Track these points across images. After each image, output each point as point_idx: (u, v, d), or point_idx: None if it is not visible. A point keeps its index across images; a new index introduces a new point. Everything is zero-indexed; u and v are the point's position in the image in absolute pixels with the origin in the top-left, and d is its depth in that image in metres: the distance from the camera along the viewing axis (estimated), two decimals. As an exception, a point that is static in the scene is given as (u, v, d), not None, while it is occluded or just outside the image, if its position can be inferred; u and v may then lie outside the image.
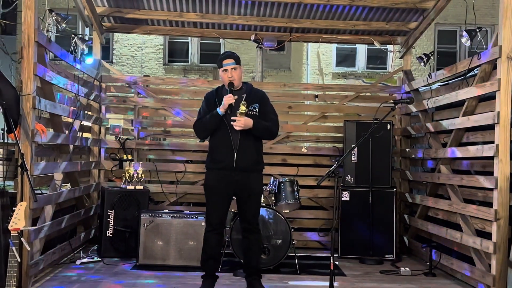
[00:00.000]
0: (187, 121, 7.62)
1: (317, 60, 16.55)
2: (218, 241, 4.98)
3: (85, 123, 6.95)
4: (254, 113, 4.89)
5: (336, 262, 6.46)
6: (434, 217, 6.50)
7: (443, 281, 5.78)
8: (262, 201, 6.07)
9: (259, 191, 5.11)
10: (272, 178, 6.49)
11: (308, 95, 8.20)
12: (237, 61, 4.92)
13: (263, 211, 6.01)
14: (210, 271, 4.99)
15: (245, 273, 5.12)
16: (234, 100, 4.74)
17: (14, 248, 3.54)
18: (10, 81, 4.47)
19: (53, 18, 5.86)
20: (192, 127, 5.10)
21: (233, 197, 5.03)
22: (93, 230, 6.98)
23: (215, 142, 4.93)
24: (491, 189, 5.05)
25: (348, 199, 6.90)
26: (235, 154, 4.79)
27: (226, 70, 4.87)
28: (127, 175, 6.63)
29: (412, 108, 7.16)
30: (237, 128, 4.75)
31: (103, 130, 7.49)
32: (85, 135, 6.97)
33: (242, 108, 4.75)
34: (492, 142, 5.02)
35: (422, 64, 6.94)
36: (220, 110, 4.77)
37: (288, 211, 6.47)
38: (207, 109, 4.93)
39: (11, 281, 3.55)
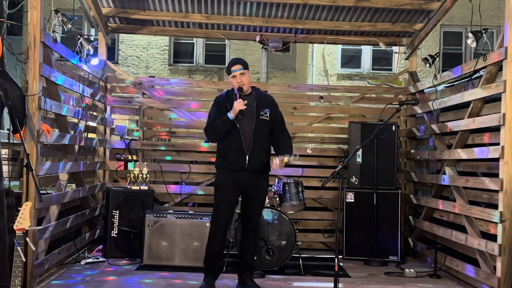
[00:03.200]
0: (192, 122, 7.63)
1: (322, 61, 16.53)
2: (223, 240, 5.08)
3: (90, 123, 6.96)
4: (265, 118, 5.03)
5: (341, 264, 6.44)
6: (439, 219, 6.49)
7: (448, 283, 5.77)
8: (266, 202, 6.10)
9: (266, 191, 5.31)
10: (276, 179, 6.48)
11: (313, 96, 8.19)
12: (245, 66, 5.04)
13: (267, 212, 6.01)
14: (212, 269, 5.09)
15: (238, 270, 5.24)
16: (244, 107, 4.85)
17: (19, 248, 3.55)
18: (16, 82, 4.48)
19: (59, 19, 5.87)
20: (204, 131, 5.19)
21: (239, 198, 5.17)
22: (98, 230, 6.99)
23: (226, 144, 5.03)
24: (497, 191, 5.03)
25: (353, 200, 6.90)
26: (247, 157, 4.91)
27: (234, 76, 4.98)
28: (132, 175, 6.65)
29: (417, 110, 7.15)
30: (274, 167, 5.04)
31: (108, 130, 7.49)
32: (90, 135, 6.98)
33: (286, 160, 4.95)
34: (498, 144, 5.01)
35: (428, 65, 6.92)
36: (231, 115, 4.88)
37: (292, 212, 6.46)
38: (218, 113, 5.03)
39: (16, 281, 3.56)
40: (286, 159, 4.97)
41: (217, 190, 5.09)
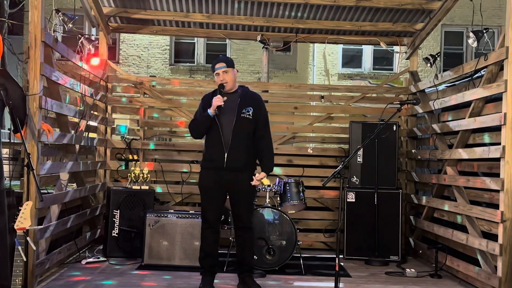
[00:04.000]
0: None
1: (323, 61, 16.53)
2: (215, 238, 5.12)
3: (91, 123, 6.97)
4: (248, 116, 5.02)
5: (342, 263, 6.44)
6: (440, 219, 6.49)
7: (449, 283, 5.76)
8: (267, 202, 6.11)
9: (250, 190, 5.19)
10: (277, 179, 6.48)
11: (314, 96, 8.18)
12: (229, 64, 5.09)
13: (268, 212, 6.01)
14: (209, 268, 5.13)
15: (238, 270, 5.26)
16: (222, 102, 4.89)
17: (20, 248, 3.55)
18: (17, 81, 4.48)
19: (60, 18, 5.88)
20: (188, 128, 5.24)
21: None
22: (99, 230, 6.99)
23: (207, 141, 5.10)
24: (498, 191, 5.03)
25: (353, 200, 6.89)
26: (226, 154, 4.92)
27: (218, 73, 5.06)
28: (132, 175, 6.65)
29: (418, 109, 7.15)
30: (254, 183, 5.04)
31: (109, 130, 7.49)
32: (91, 135, 6.98)
33: (266, 181, 5.19)
34: (499, 144, 5.00)
35: (429, 65, 6.92)
36: (210, 111, 4.92)
37: (293, 212, 6.46)
38: (203, 110, 5.08)
39: (17, 280, 3.56)
40: (264, 179, 5.10)
41: (200, 189, 5.14)
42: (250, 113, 5.02)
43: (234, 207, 5.13)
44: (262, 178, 5.05)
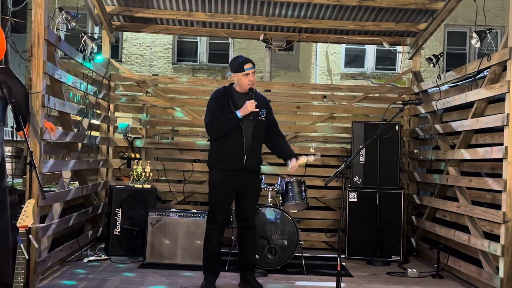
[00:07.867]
0: (195, 121, 7.63)
1: (326, 60, 16.53)
2: (220, 239, 5.14)
3: (94, 121, 6.97)
4: (263, 118, 5.06)
5: (343, 263, 6.44)
6: (442, 219, 6.48)
7: (451, 283, 5.76)
8: (269, 201, 6.11)
9: (259, 191, 5.34)
10: (279, 178, 6.48)
11: (316, 96, 8.19)
12: (254, 66, 5.06)
13: (270, 211, 6.02)
14: (212, 268, 5.14)
15: (240, 269, 5.26)
16: (257, 109, 4.88)
17: (22, 245, 3.56)
18: (19, 79, 4.48)
19: (63, 17, 5.88)
20: (205, 126, 5.08)
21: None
22: (101, 228, 6.99)
23: (226, 143, 4.97)
24: (500, 191, 5.02)
25: (355, 200, 6.89)
26: (245, 156, 4.92)
27: (248, 74, 4.94)
28: (135, 173, 6.65)
29: (421, 109, 7.14)
30: (292, 171, 5.05)
31: (111, 128, 7.50)
32: (94, 133, 6.99)
33: (304, 162, 4.98)
34: (501, 144, 5.00)
35: (432, 65, 6.91)
36: (240, 114, 4.87)
37: (295, 211, 6.46)
38: (220, 109, 4.95)
39: (19, 278, 3.57)
40: (308, 159, 4.98)
41: (213, 190, 5.08)
42: (264, 115, 5.07)
43: (241, 207, 5.13)
44: (302, 162, 4.98)
